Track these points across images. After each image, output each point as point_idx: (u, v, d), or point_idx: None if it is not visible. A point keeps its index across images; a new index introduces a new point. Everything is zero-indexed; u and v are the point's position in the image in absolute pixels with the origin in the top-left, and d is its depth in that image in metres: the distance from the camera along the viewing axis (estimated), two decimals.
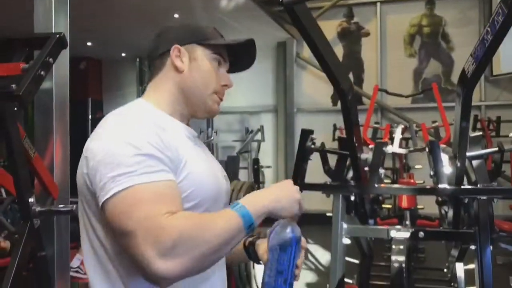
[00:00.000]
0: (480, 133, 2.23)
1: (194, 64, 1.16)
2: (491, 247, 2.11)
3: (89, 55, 8.91)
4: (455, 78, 7.38)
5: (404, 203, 4.14)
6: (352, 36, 8.03)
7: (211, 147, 8.83)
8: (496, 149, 1.99)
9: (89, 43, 7.86)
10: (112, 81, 9.54)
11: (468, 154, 1.93)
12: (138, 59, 9.43)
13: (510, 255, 5.63)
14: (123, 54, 9.18)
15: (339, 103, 7.22)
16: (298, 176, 2.30)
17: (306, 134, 2.36)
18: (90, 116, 8.92)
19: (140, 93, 9.49)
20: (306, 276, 5.10)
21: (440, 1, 7.59)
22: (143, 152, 0.93)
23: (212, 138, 8.61)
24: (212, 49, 1.19)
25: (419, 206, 4.66)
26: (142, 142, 0.94)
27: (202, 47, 1.17)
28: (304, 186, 2.34)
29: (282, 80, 8.48)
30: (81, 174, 1.01)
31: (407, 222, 4.01)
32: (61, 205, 2.33)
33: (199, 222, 0.90)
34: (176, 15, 6.53)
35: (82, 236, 1.05)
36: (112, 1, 5.86)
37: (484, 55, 1.59)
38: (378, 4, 7.81)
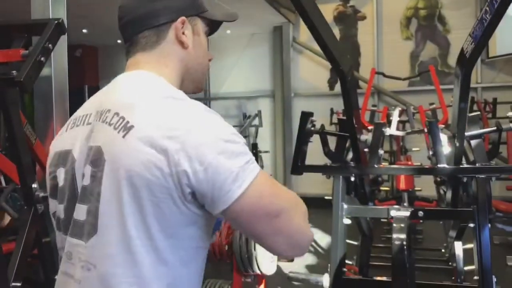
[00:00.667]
0: (478, 112, 2.25)
1: (196, 39, 1.07)
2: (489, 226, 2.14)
3: (85, 43, 8.86)
4: (451, 60, 7.38)
5: (402, 185, 4.20)
6: (348, 19, 8.01)
7: None
8: (494, 128, 2.01)
9: (84, 30, 7.81)
10: (108, 68, 9.49)
11: (466, 134, 1.95)
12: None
13: (507, 235, 5.72)
14: (119, 41, 9.13)
15: (336, 88, 7.30)
16: (298, 158, 2.32)
17: (306, 116, 2.38)
18: None
19: None
20: (306, 258, 5.16)
21: None
22: (242, 141, 0.93)
23: None
24: (207, 22, 1.10)
25: (416, 188, 4.72)
26: (233, 130, 0.92)
27: (201, 20, 1.08)
28: (305, 168, 2.37)
29: (279, 65, 8.46)
30: (170, 170, 0.85)
31: (405, 204, 4.07)
32: None
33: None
34: None
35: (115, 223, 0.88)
36: None
37: (483, 35, 1.60)
38: None
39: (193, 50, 1.06)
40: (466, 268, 3.03)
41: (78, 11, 6.55)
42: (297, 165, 2.30)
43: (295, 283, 4.14)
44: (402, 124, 6.17)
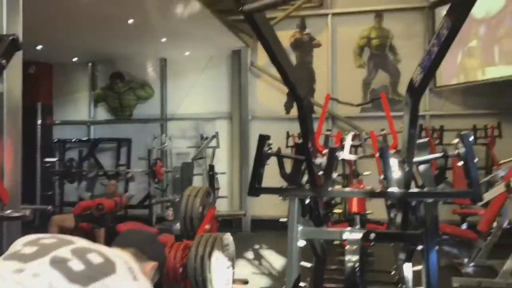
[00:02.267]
0: (427, 139, 2.37)
1: (150, 281, 1.48)
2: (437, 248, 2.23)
3: (40, 59, 8.64)
4: (401, 88, 7.71)
5: (355, 208, 4.31)
6: (304, 46, 8.24)
7: (165, 153, 8.77)
8: (441, 154, 2.12)
9: (39, 47, 7.62)
10: (63, 86, 9.30)
11: (415, 159, 2.05)
12: (90, 64, 9.25)
13: (453, 257, 5.93)
14: (75, 59, 8.97)
15: (292, 111, 7.44)
16: (255, 181, 2.35)
17: (263, 139, 2.42)
18: (39, 122, 8.62)
19: (92, 98, 9.30)
20: (260, 281, 5.16)
21: (388, 15, 7.93)
22: None
23: (166, 144, 8.54)
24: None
25: (368, 211, 4.85)
26: None
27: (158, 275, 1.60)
28: (261, 190, 2.40)
29: (237, 88, 8.55)
30: None
31: (358, 226, 4.17)
32: (12, 211, 2.27)
33: None
34: (130, 21, 6.46)
35: None
36: (65, 5, 5.72)
37: (431, 66, 1.70)
38: (329, 16, 8.07)
39: (144, 285, 1.37)
40: None
41: (32, 27, 6.40)
42: (254, 187, 2.33)
43: None
44: (354, 148, 6.35)
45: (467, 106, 7.65)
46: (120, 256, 1.31)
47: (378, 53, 7.96)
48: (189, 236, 3.44)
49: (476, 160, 2.04)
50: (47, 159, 8.35)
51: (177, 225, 4.36)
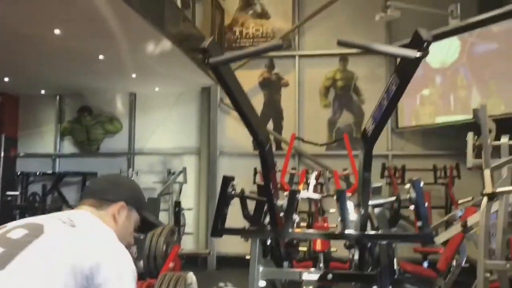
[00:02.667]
0: (381, 184, 2.50)
1: (126, 222, 1.47)
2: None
3: (6, 91, 8.55)
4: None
5: (318, 247, 4.40)
6: (272, 85, 8.46)
7: None
8: (394, 198, 2.24)
9: (6, 79, 7.57)
10: (29, 118, 9.18)
11: (370, 202, 2.16)
12: (58, 97, 9.21)
13: None
14: (43, 92, 8.92)
15: None
16: (218, 221, 2.41)
17: (227, 180, 2.50)
18: (2, 154, 8.43)
19: (59, 131, 9.19)
20: None
21: (353, 58, 8.27)
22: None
23: (132, 178, 8.48)
24: (141, 217, 1.54)
25: (332, 249, 4.93)
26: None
27: (137, 213, 1.51)
28: (224, 231, 2.46)
29: (206, 124, 8.64)
30: (86, 256, 1.20)
31: (321, 265, 4.24)
32: None
33: None
34: (101, 57, 6.53)
35: None
36: (35, 39, 5.76)
37: (381, 117, 1.84)
38: (297, 57, 8.36)
39: (120, 227, 1.44)
40: None
41: (1, 59, 6.41)
42: (217, 228, 2.39)
43: None
44: (320, 186, 6.48)
45: (427, 147, 7.95)
46: (53, 216, 1.33)
47: (343, 94, 8.25)
48: (152, 274, 3.44)
49: (426, 204, 2.17)
50: (9, 192, 8.14)
51: (141, 263, 4.31)
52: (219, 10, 8.57)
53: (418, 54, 1.47)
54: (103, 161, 9.03)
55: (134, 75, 7.72)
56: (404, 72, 1.65)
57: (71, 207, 8.32)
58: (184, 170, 8.19)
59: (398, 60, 1.68)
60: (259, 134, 1.99)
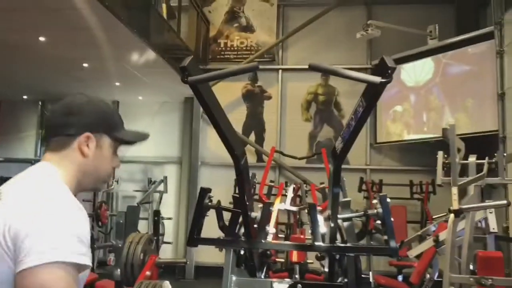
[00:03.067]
0: (349, 199, 2.62)
1: (98, 152, 1.26)
2: None
3: None
4: None
5: (294, 258, 4.49)
6: (255, 98, 8.59)
7: (111, 196, 8.69)
8: (362, 213, 2.36)
9: None
10: (10, 123, 9.14)
11: (339, 216, 2.28)
12: (40, 103, 9.20)
13: None
14: (25, 97, 8.90)
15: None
16: (195, 231, 2.50)
17: (204, 192, 2.59)
18: None
19: (40, 136, 9.16)
20: None
21: None
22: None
23: (112, 187, 8.48)
24: (116, 139, 1.32)
25: (308, 261, 5.03)
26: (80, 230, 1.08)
27: (108, 137, 1.29)
28: (200, 241, 2.55)
29: (188, 134, 8.72)
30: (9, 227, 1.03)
31: (297, 276, 4.34)
32: None
33: None
34: (85, 65, 6.59)
35: None
36: (20, 44, 5.80)
37: (349, 137, 1.96)
38: (280, 71, 8.51)
39: (91, 160, 1.25)
40: None
41: None
42: (193, 237, 2.47)
43: None
44: (299, 198, 6.60)
45: (404, 162, 8.14)
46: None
47: (324, 108, 8.41)
48: (129, 282, 3.49)
49: (392, 219, 2.29)
50: None
51: (118, 271, 4.35)
52: (205, 22, 8.70)
53: (381, 80, 1.59)
54: None
55: (117, 83, 7.78)
56: (370, 96, 1.77)
57: None
58: (165, 179, 8.24)
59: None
60: (235, 149, 2.09)
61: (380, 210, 2.31)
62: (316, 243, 2.29)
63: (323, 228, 2.39)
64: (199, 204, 2.54)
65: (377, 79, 1.62)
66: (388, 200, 2.34)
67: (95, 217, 7.13)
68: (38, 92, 8.67)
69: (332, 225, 2.26)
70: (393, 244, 2.30)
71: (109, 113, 1.33)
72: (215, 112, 1.93)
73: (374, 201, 2.36)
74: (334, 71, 1.78)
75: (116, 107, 9.18)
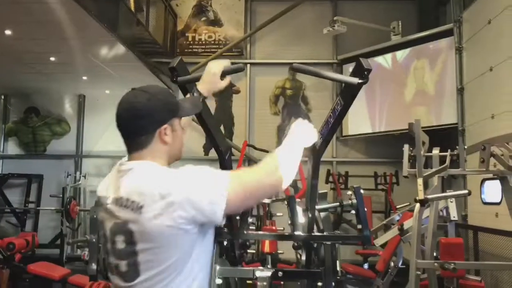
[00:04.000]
0: (326, 190, 2.76)
1: (174, 134, 1.48)
2: (334, 284, 2.58)
3: None
4: None
5: (267, 249, 4.63)
6: (224, 92, 8.66)
7: (78, 191, 8.59)
8: (337, 204, 2.51)
9: None
10: None
11: (316, 207, 2.41)
12: (3, 97, 8.95)
13: None
14: None
15: (210, 153, 7.68)
16: None
17: None
18: None
19: (3, 131, 8.93)
20: None
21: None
22: None
23: (80, 182, 8.40)
24: (181, 117, 1.53)
25: (279, 251, 5.19)
26: None
27: (176, 118, 1.49)
28: None
29: None
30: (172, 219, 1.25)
31: (269, 266, 4.48)
32: None
33: None
34: (52, 58, 6.48)
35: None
36: None
37: (328, 133, 2.08)
38: (249, 65, 8.60)
39: (172, 143, 1.47)
40: None
41: None
42: None
43: None
44: None
45: (369, 154, 8.42)
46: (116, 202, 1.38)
47: (291, 102, 8.58)
48: (107, 276, 3.53)
49: (365, 209, 2.45)
50: None
51: (93, 266, 4.37)
52: (172, 16, 8.68)
53: (358, 81, 1.72)
54: (50, 163, 8.87)
55: (85, 77, 7.68)
56: (347, 95, 1.90)
57: (14, 210, 8.12)
58: None
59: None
60: (220, 144, 2.19)
61: (354, 201, 2.45)
62: (296, 233, 2.42)
63: (301, 218, 2.52)
64: None
65: (354, 80, 1.74)
66: (362, 191, 2.49)
67: (65, 213, 7.06)
68: (1, 86, 8.45)
69: (310, 215, 2.39)
70: (366, 232, 2.45)
71: (169, 100, 1.50)
72: (202, 110, 2.02)
73: (349, 192, 2.50)
74: (315, 73, 1.90)
75: (82, 101, 9.07)
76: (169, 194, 1.26)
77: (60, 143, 9.04)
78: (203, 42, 8.78)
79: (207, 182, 1.32)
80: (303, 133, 1.70)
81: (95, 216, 4.75)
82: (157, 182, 1.31)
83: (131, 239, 1.27)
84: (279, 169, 1.46)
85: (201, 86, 1.77)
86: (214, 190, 1.30)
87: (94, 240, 4.62)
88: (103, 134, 8.94)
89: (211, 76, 1.78)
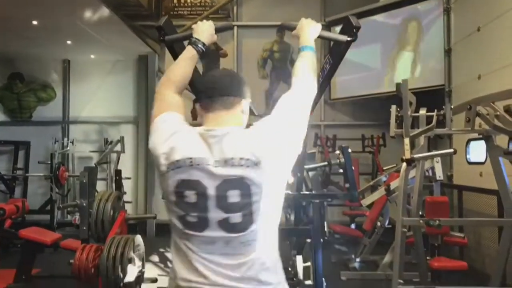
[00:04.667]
0: (315, 150, 2.79)
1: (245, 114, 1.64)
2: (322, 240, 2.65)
3: None
4: None
5: None
6: (211, 55, 8.54)
7: (66, 157, 8.57)
8: (326, 163, 2.55)
9: None
10: None
11: (305, 167, 2.45)
12: None
13: (342, 254, 6.58)
14: None
15: (198, 118, 7.61)
16: None
17: None
18: None
19: None
20: (164, 281, 5.34)
21: (289, 31, 8.49)
22: None
23: (68, 148, 8.36)
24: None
25: None
26: None
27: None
28: None
29: (144, 93, 8.62)
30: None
31: None
32: None
33: None
34: (34, 22, 6.32)
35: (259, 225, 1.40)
36: None
37: (317, 94, 2.09)
38: (236, 28, 8.47)
39: (246, 115, 1.63)
40: (306, 282, 3.56)
41: None
42: None
43: None
44: None
45: (356, 117, 8.46)
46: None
47: (280, 65, 8.50)
48: (99, 239, 3.58)
49: (353, 168, 2.49)
50: None
51: (85, 229, 4.42)
52: None
53: (347, 39, 1.72)
54: (36, 130, 8.80)
55: (69, 42, 7.53)
56: (336, 53, 1.90)
57: (2, 177, 8.09)
58: (121, 140, 8.16)
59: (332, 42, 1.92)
60: None
61: (342, 160, 2.49)
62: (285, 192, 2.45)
63: (290, 178, 2.56)
64: None
65: (343, 37, 1.75)
66: (350, 150, 2.53)
67: (54, 179, 7.06)
68: None
69: (299, 175, 2.43)
70: (354, 191, 2.51)
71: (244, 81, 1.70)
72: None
73: (337, 152, 2.54)
74: None
75: (67, 66, 8.92)
76: (278, 147, 1.44)
77: (46, 109, 8.93)
78: (189, 4, 8.59)
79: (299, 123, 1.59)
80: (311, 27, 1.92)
81: (84, 181, 4.76)
82: (263, 140, 1.45)
83: (248, 192, 1.38)
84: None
85: (199, 36, 1.83)
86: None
87: (84, 204, 4.64)
88: (90, 100, 8.85)
89: (208, 26, 1.87)
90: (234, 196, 1.37)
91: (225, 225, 1.38)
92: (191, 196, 1.40)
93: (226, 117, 1.54)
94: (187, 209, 1.41)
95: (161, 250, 7.06)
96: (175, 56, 1.90)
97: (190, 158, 1.42)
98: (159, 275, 5.65)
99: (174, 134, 1.52)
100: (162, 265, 6.19)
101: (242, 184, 1.37)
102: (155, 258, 6.58)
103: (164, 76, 1.76)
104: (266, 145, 1.43)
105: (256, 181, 1.37)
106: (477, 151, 5.72)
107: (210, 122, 1.55)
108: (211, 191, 1.39)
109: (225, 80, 1.61)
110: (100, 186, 8.04)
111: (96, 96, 8.83)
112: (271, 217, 1.44)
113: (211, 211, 1.39)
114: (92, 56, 8.63)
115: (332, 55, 1.91)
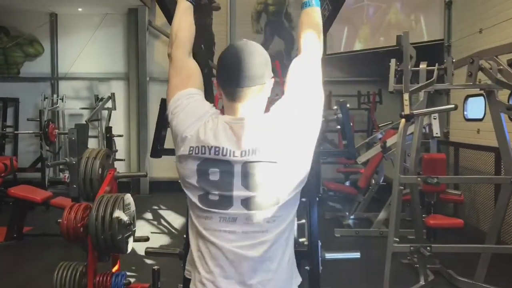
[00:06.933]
0: None
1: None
2: (317, 203, 2.56)
3: None
4: (295, 54, 8.11)
5: None
6: (204, 9, 8.21)
7: (56, 114, 8.40)
8: (322, 118, 2.42)
9: None
10: None
11: None
12: None
13: (336, 211, 6.58)
14: None
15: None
16: (158, 143, 2.48)
17: (164, 103, 2.54)
18: None
19: None
20: (159, 239, 5.34)
21: None
22: None
23: (57, 105, 8.17)
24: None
25: None
26: None
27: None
28: (164, 152, 2.55)
29: (134, 48, 8.37)
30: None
31: None
32: None
33: None
34: None
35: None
36: None
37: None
38: None
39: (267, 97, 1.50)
40: (300, 239, 3.51)
41: None
42: (156, 149, 2.46)
43: (149, 260, 4.31)
44: None
45: (352, 73, 8.28)
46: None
47: (274, 19, 8.23)
48: (88, 198, 3.46)
49: (351, 124, 2.37)
50: None
51: (74, 187, 4.32)
52: None
53: None
54: (25, 86, 8.57)
55: None
56: (335, 1, 1.75)
57: None
58: (112, 96, 7.96)
59: None
60: (196, 55, 2.03)
61: (340, 115, 2.37)
62: None
63: None
64: (160, 115, 2.50)
65: None
66: (348, 105, 2.40)
67: (43, 136, 6.92)
68: None
69: None
70: (352, 148, 2.40)
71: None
72: (172, 9, 1.85)
73: (334, 107, 2.41)
74: None
75: (54, 20, 8.59)
76: (302, 131, 1.37)
77: (34, 65, 8.67)
78: None
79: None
80: None
81: (73, 138, 4.63)
82: (286, 129, 1.37)
83: (275, 174, 1.33)
84: None
85: None
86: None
87: (74, 162, 4.53)
88: (79, 55, 8.58)
89: None
90: (258, 175, 1.33)
91: (250, 203, 1.34)
92: (215, 174, 1.33)
93: (253, 105, 1.44)
94: (210, 187, 1.34)
95: (155, 207, 7.05)
96: (166, 11, 1.73)
97: (216, 147, 1.35)
98: (152, 232, 5.66)
99: (200, 118, 1.42)
100: (155, 223, 6.17)
101: (267, 166, 1.33)
102: (149, 215, 6.57)
103: (170, 36, 1.62)
104: (291, 131, 1.36)
105: (282, 165, 1.33)
106: (475, 107, 5.62)
107: (236, 111, 1.42)
108: (237, 168, 1.33)
109: (255, 64, 1.44)
110: (92, 144, 7.91)
111: (85, 52, 8.56)
112: (298, 196, 1.41)
113: (235, 190, 1.34)
114: (80, 9, 8.30)
115: (331, 1, 1.75)
